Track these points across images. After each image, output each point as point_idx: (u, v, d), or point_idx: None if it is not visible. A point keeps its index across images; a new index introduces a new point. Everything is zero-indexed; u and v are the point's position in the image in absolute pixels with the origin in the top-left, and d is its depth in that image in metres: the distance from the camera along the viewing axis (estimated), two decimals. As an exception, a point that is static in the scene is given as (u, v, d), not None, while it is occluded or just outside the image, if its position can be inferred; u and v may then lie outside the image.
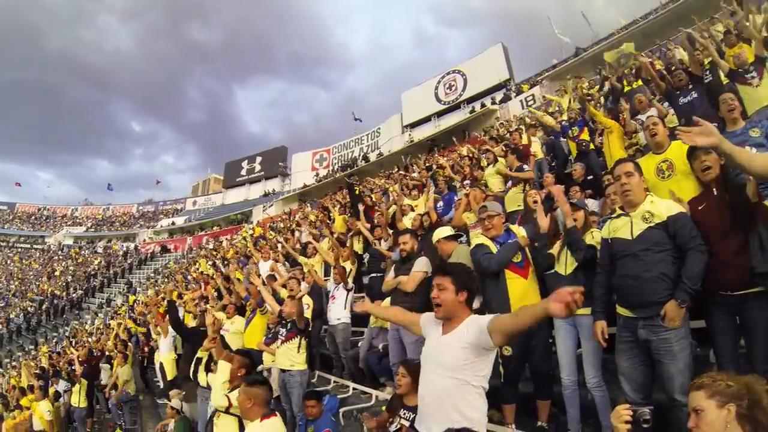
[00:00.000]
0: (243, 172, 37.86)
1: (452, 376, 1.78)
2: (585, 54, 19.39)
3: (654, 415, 1.35)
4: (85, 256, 33.82)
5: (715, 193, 2.32)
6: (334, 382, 4.88)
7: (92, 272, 28.90)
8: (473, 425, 1.73)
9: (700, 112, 4.07)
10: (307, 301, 4.67)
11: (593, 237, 2.71)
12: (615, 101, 6.90)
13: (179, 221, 36.86)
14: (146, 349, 9.28)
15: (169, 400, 5.31)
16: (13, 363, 18.09)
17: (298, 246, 8.67)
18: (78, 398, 8.04)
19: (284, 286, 5.05)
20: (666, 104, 5.54)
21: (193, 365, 5.02)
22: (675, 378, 2.07)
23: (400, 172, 13.51)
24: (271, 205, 30.00)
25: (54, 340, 19.61)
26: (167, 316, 6.71)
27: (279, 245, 9.81)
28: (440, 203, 6.17)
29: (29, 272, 33.11)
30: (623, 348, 2.27)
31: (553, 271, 2.82)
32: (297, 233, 10.49)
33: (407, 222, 5.78)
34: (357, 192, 9.30)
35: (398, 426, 2.61)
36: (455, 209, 5.04)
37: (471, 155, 9.33)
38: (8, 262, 35.88)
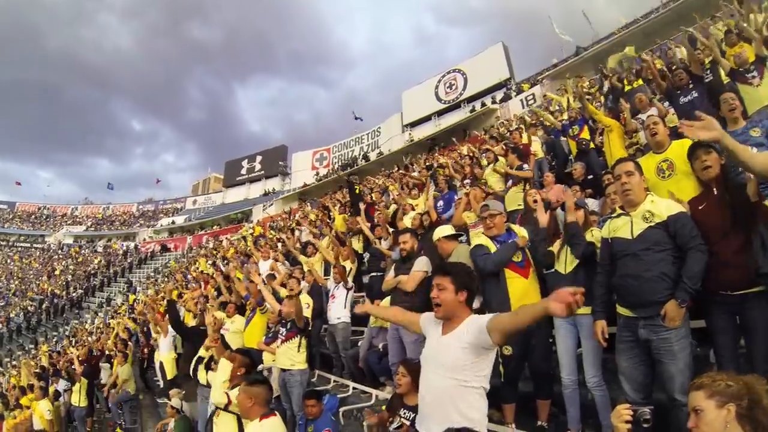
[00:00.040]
0: (243, 171, 37.80)
1: (452, 376, 1.77)
2: (586, 53, 19.35)
3: (654, 415, 1.35)
4: (85, 255, 33.83)
5: (716, 192, 2.31)
6: (334, 381, 4.88)
7: (92, 271, 28.90)
8: (473, 425, 1.72)
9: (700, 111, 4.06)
10: (307, 300, 4.67)
11: (593, 236, 2.71)
12: (615, 100, 6.88)
13: (179, 220, 36.84)
14: (146, 349, 9.28)
15: (169, 400, 5.30)
16: (13, 362, 18.11)
17: (298, 245, 8.67)
18: (78, 397, 8.04)
19: (284, 285, 5.05)
20: (666, 103, 5.52)
21: (193, 363, 5.02)
22: (675, 378, 2.07)
23: (401, 171, 13.51)
24: (271, 205, 29.95)
25: (54, 340, 19.59)
26: (167, 316, 6.72)
27: (279, 244, 9.81)
28: (440, 202, 6.17)
29: (29, 271, 33.12)
30: (623, 348, 2.27)
31: (553, 270, 2.82)
32: (297, 232, 10.50)
33: (407, 221, 5.78)
34: (357, 191, 9.30)
35: (399, 423, 2.61)
36: (455, 208, 5.04)
37: (471, 154, 9.31)
38: (8, 261, 35.90)
